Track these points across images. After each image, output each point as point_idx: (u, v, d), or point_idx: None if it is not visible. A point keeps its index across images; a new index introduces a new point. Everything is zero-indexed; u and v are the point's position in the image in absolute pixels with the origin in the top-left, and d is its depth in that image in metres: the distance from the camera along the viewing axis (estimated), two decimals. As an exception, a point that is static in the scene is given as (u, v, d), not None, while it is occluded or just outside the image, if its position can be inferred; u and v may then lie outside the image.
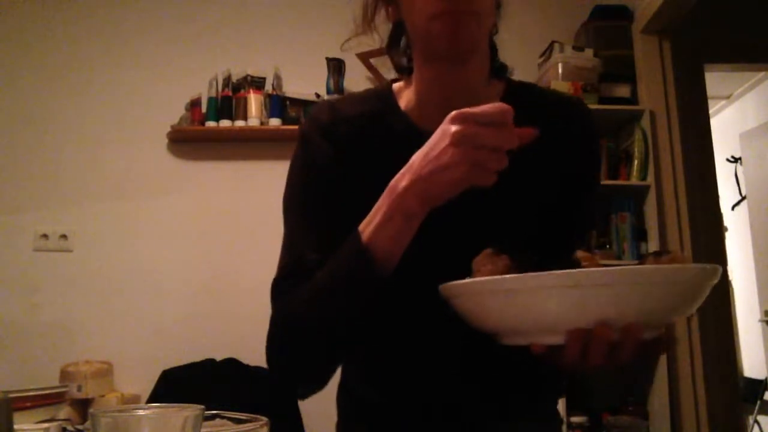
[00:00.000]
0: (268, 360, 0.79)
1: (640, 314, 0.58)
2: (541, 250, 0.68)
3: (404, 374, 0.84)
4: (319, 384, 0.79)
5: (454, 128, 0.64)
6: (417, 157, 0.68)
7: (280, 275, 0.83)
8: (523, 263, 0.63)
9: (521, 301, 0.59)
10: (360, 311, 0.73)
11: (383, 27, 0.87)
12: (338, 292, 0.73)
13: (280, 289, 0.82)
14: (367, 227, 0.71)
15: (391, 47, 0.89)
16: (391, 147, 0.79)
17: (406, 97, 0.88)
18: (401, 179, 0.68)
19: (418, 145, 0.69)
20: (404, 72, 0.89)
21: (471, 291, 0.64)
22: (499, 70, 0.88)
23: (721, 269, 0.62)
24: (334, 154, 0.84)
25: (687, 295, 0.61)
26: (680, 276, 0.59)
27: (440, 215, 0.70)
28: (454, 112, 0.65)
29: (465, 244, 0.70)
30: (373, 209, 0.71)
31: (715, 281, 0.62)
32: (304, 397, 0.82)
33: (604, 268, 0.58)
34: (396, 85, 0.91)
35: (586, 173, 0.87)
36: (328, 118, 0.87)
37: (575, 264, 0.63)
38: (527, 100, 0.85)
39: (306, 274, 0.77)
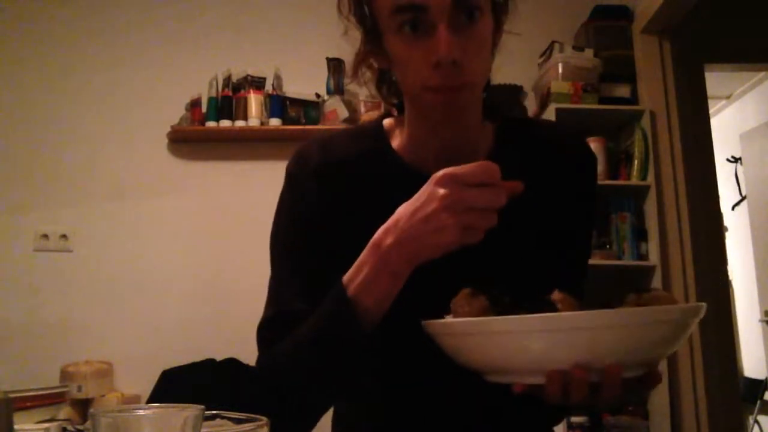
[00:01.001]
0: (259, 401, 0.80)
1: (620, 355, 0.58)
2: (536, 286, 0.67)
3: (396, 409, 0.83)
4: (307, 428, 0.79)
5: (442, 191, 0.63)
6: (403, 215, 0.66)
7: (264, 321, 0.82)
8: (499, 305, 0.63)
9: (496, 343, 0.60)
10: (344, 367, 0.72)
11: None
12: (321, 349, 0.72)
13: (264, 335, 0.82)
14: (351, 282, 0.69)
15: (380, 88, 0.86)
16: (385, 189, 0.77)
17: (398, 136, 0.85)
18: (386, 236, 0.67)
19: (412, 188, 0.67)
20: (394, 107, 0.87)
21: (447, 331, 0.64)
22: (490, 111, 0.85)
23: (705, 307, 0.62)
24: (324, 198, 0.82)
25: (668, 335, 0.60)
26: (660, 317, 0.59)
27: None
28: (439, 174, 0.64)
29: (456, 282, 0.68)
30: (357, 263, 0.70)
31: (698, 319, 0.62)
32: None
33: (579, 312, 0.58)
34: (387, 122, 0.88)
35: (582, 210, 0.86)
36: (318, 159, 0.84)
37: (550, 305, 0.62)
38: (519, 138, 0.85)
39: (290, 324, 0.76)
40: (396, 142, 0.85)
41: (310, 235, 0.82)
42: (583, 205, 0.86)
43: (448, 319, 0.65)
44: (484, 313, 0.63)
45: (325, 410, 0.79)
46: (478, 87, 0.76)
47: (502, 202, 0.63)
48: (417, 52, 0.71)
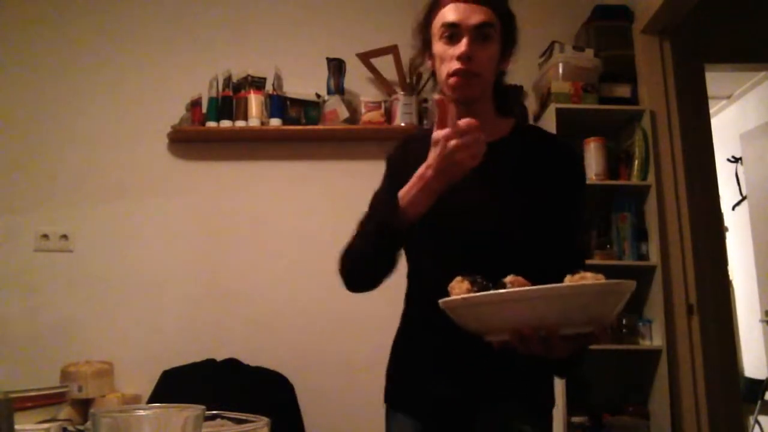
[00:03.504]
0: (339, 271, 1.23)
1: (557, 318, 0.83)
2: (533, 243, 1.12)
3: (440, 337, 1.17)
4: (368, 288, 1.22)
5: (452, 143, 1.04)
6: (433, 156, 1.07)
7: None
8: (478, 286, 0.90)
9: (475, 313, 0.89)
10: (388, 247, 1.14)
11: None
12: (380, 232, 1.13)
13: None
14: (403, 198, 1.10)
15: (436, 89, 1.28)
16: (426, 154, 1.16)
17: None
18: (426, 169, 1.07)
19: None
20: None
21: (447, 307, 0.92)
22: (505, 110, 1.27)
23: (613, 283, 0.83)
24: (401, 157, 1.30)
25: (590, 306, 0.83)
26: (579, 291, 0.82)
27: (456, 214, 1.15)
28: (444, 134, 1.04)
29: (477, 238, 1.15)
30: (407, 186, 1.10)
31: (619, 295, 0.84)
32: (357, 292, 1.23)
33: (519, 289, 0.84)
34: None
35: (571, 193, 1.19)
36: (405, 137, 1.38)
37: (503, 285, 0.88)
38: (529, 136, 1.25)
39: None
40: None
41: (391, 178, 1.28)
42: (571, 189, 1.19)
43: (446, 299, 0.92)
44: (467, 293, 0.89)
45: (376, 279, 1.20)
46: (483, 80, 1.17)
47: (483, 138, 1.04)
48: (450, 51, 1.15)
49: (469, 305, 0.87)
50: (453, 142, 1.03)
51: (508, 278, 0.87)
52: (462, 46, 1.12)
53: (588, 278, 0.83)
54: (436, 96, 1.11)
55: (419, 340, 1.25)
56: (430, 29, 1.21)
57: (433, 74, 1.26)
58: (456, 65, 1.13)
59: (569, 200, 1.19)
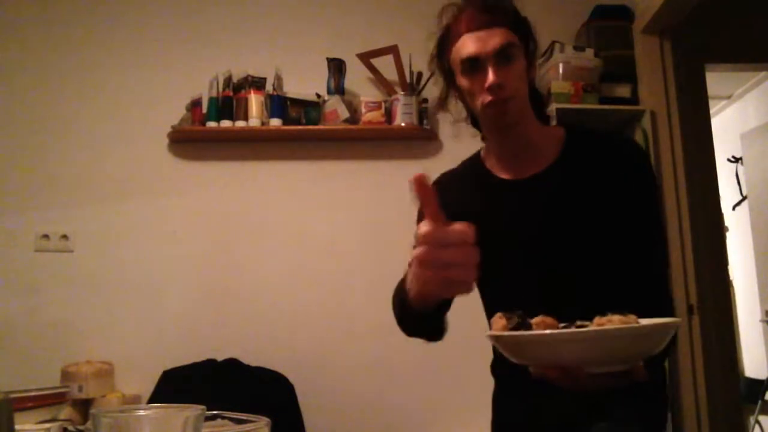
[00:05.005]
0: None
1: (576, 360, 0.81)
2: (610, 277, 1.06)
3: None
4: (431, 341, 1.13)
5: (416, 251, 0.75)
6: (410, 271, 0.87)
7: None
8: (512, 324, 0.87)
9: (506, 349, 0.88)
10: (426, 326, 1.09)
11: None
12: (403, 311, 1.07)
13: None
14: (408, 286, 0.92)
15: (470, 120, 1.26)
16: (475, 191, 1.22)
17: (486, 155, 1.26)
18: (410, 286, 0.89)
19: (488, 186, 1.18)
20: (482, 134, 1.25)
21: (493, 341, 0.91)
22: (545, 118, 1.23)
23: (635, 328, 0.79)
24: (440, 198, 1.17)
25: (608, 349, 0.79)
26: (601, 335, 0.79)
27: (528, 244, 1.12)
28: (419, 233, 0.75)
29: (546, 269, 1.11)
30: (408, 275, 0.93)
31: (642, 338, 0.80)
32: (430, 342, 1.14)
33: (534, 332, 0.83)
34: (483, 149, 1.28)
35: (641, 199, 1.11)
36: (438, 178, 1.30)
37: (528, 326, 0.86)
38: (584, 146, 1.16)
39: None
40: (486, 159, 1.25)
41: None
42: (640, 198, 1.11)
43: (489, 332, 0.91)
44: (503, 329, 0.88)
45: (425, 335, 1.13)
46: (519, 99, 1.11)
47: (476, 259, 0.74)
48: (477, 84, 1.10)
49: (498, 343, 0.88)
50: (415, 252, 0.75)
51: (535, 319, 0.87)
52: (489, 76, 1.06)
53: (614, 321, 0.81)
54: (414, 176, 0.75)
55: (517, 386, 1.19)
56: (449, 62, 1.15)
57: (462, 101, 1.22)
58: (488, 97, 1.08)
59: (638, 212, 1.11)
